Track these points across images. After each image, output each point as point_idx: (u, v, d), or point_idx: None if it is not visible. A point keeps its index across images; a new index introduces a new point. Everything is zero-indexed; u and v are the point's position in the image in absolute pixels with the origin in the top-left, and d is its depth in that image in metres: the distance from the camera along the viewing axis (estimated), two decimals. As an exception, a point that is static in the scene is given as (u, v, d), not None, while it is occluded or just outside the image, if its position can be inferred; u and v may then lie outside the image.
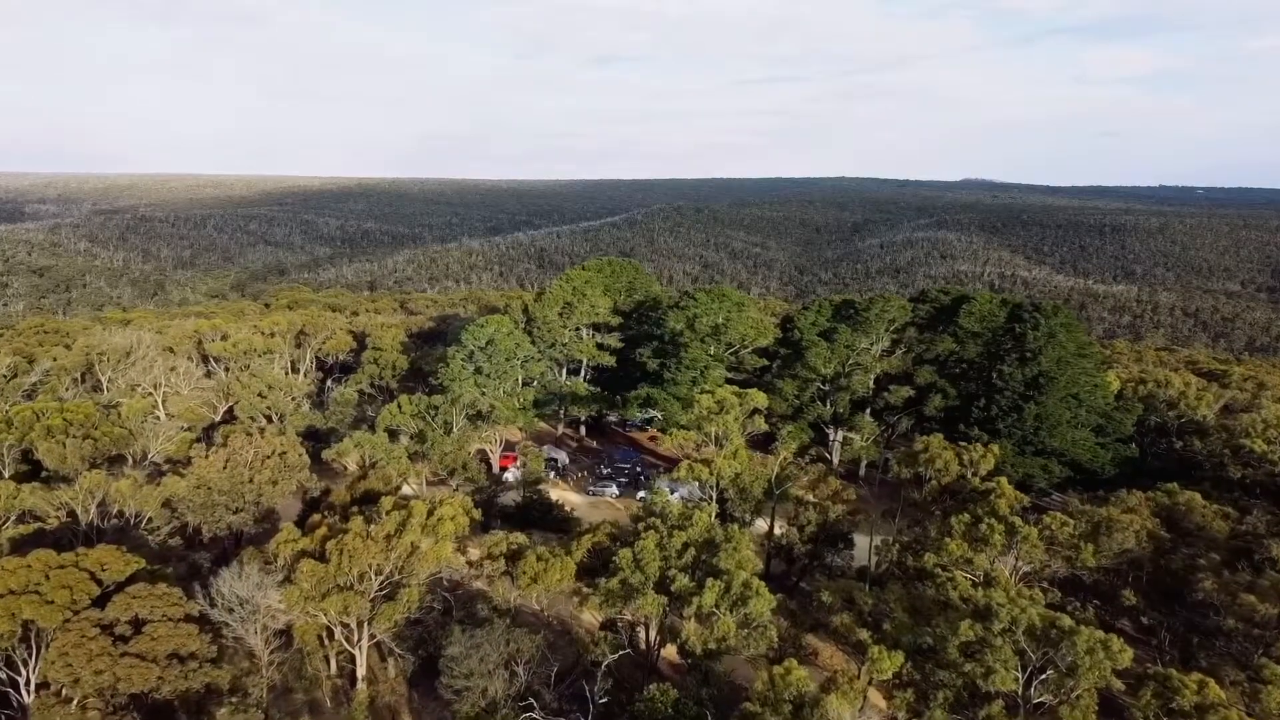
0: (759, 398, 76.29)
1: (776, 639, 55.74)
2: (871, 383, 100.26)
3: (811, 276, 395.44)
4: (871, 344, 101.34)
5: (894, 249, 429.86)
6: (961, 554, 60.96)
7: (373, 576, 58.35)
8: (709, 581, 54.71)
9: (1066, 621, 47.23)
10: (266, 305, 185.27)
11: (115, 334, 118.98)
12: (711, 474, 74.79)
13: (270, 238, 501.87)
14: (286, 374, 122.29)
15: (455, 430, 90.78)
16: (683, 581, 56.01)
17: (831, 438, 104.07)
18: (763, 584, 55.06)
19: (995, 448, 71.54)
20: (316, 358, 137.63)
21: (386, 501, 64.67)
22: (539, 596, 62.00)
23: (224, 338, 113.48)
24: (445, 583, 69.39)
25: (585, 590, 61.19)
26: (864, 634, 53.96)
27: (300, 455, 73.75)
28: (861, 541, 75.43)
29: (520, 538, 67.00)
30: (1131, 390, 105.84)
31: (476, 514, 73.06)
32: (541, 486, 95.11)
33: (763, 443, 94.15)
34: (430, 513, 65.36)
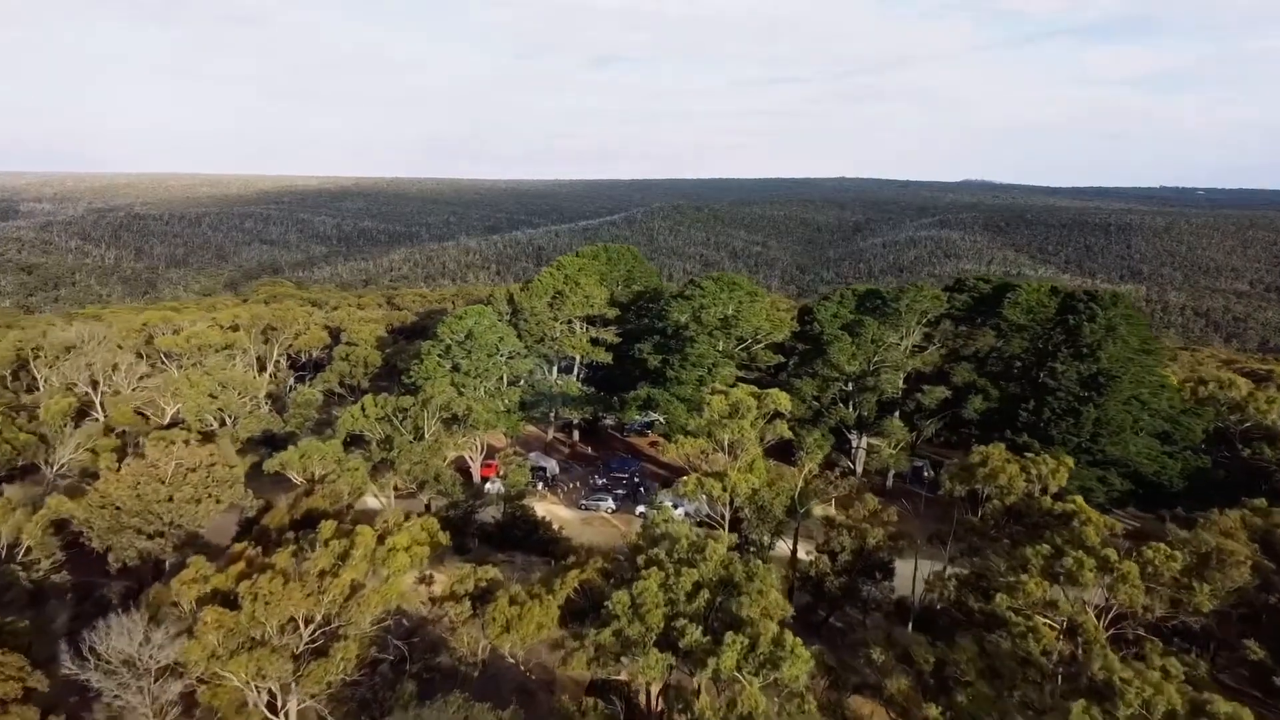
0: (781, 399, 63.07)
1: (815, 709, 42.47)
2: (901, 382, 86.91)
3: (814, 275, 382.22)
4: (902, 338, 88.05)
5: (897, 248, 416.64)
6: (1042, 595, 47.66)
7: (301, 626, 45.12)
8: (729, 636, 41.61)
9: (1222, 707, 33.98)
10: (244, 300, 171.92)
11: (61, 327, 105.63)
12: (725, 489, 61.55)
13: (266, 236, 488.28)
14: (251, 372, 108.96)
15: (427, 436, 77.45)
16: (695, 635, 42.85)
17: (855, 444, 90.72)
18: (798, 641, 41.81)
19: (1069, 460, 58.18)
20: (288, 355, 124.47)
21: (327, 527, 51.33)
22: (514, 647, 48.63)
23: (176, 331, 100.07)
24: (404, 623, 56.46)
25: (570, 643, 47.91)
26: (933, 711, 40.65)
27: (231, 468, 60.37)
28: (901, 568, 62.28)
29: (491, 571, 53.66)
30: (1190, 392, 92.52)
31: (444, 538, 59.90)
32: (527, 500, 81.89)
33: (778, 451, 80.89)
34: (382, 540, 52.13)
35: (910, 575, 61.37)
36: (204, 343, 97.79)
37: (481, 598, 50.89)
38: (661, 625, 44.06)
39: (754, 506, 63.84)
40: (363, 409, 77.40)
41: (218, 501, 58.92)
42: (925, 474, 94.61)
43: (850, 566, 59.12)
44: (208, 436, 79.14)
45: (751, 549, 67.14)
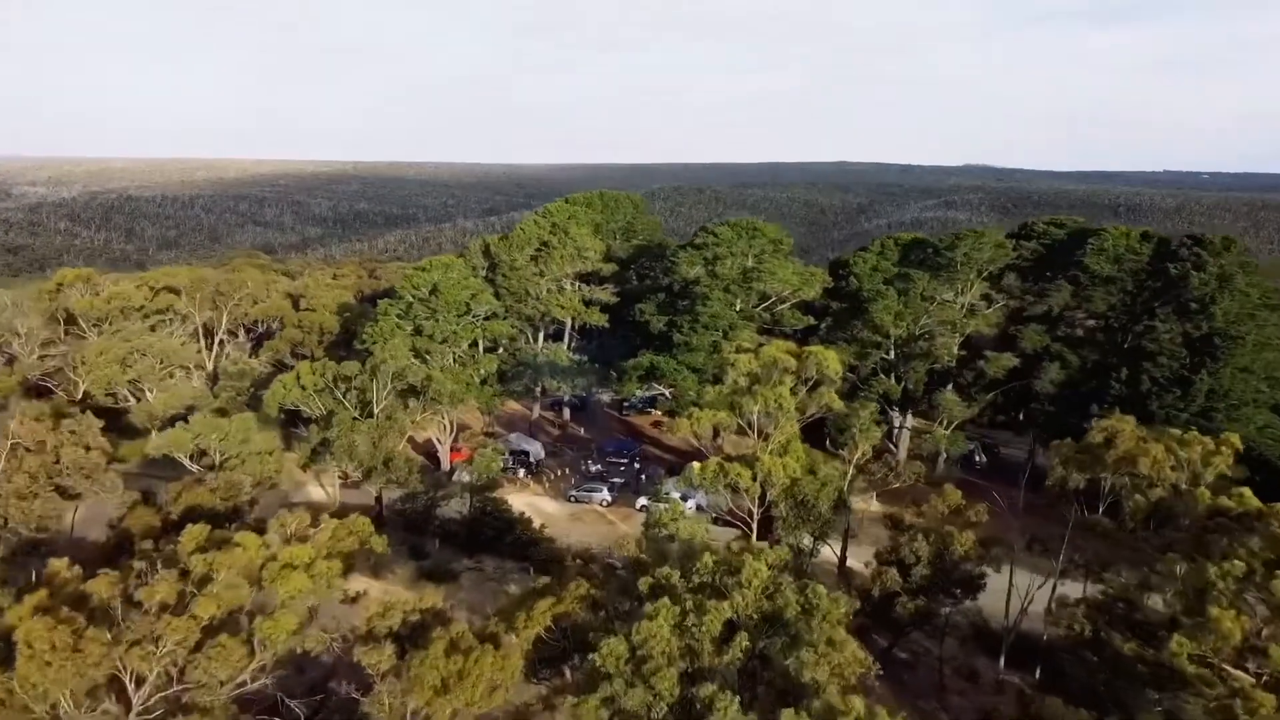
0: (829, 360, 46.39)
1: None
2: (956, 348, 70.21)
3: (818, 257, 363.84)
4: (957, 295, 71.30)
5: (902, 229, 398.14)
6: (1243, 636, 31.19)
7: (131, 687, 28.83)
8: (787, 716, 25.50)
9: None
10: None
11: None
12: (754, 479, 45.01)
13: (260, 218, 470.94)
14: (185, 341, 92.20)
15: (377, 411, 60.88)
16: (729, 710, 26.74)
17: (898, 423, 74.11)
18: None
19: (1234, 439, 41.52)
20: (246, 327, 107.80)
21: (192, 535, 34.80)
22: (456, 718, 32.01)
23: (97, 292, 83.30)
24: (321, 669, 40.88)
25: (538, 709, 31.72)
26: None
27: (88, 452, 43.74)
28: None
29: (430, 598, 37.16)
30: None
31: (380, 543, 43.68)
32: (503, 491, 65.59)
33: (805, 433, 64.21)
34: (273, 556, 35.75)
35: (1009, 593, 44.84)
36: (127, 305, 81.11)
37: (412, 638, 34.33)
38: (676, 692, 27.83)
39: (792, 501, 47.35)
40: (297, 378, 60.76)
41: (67, 495, 42.34)
42: (977, 459, 78.12)
43: (928, 583, 42.58)
44: (105, 413, 62.66)
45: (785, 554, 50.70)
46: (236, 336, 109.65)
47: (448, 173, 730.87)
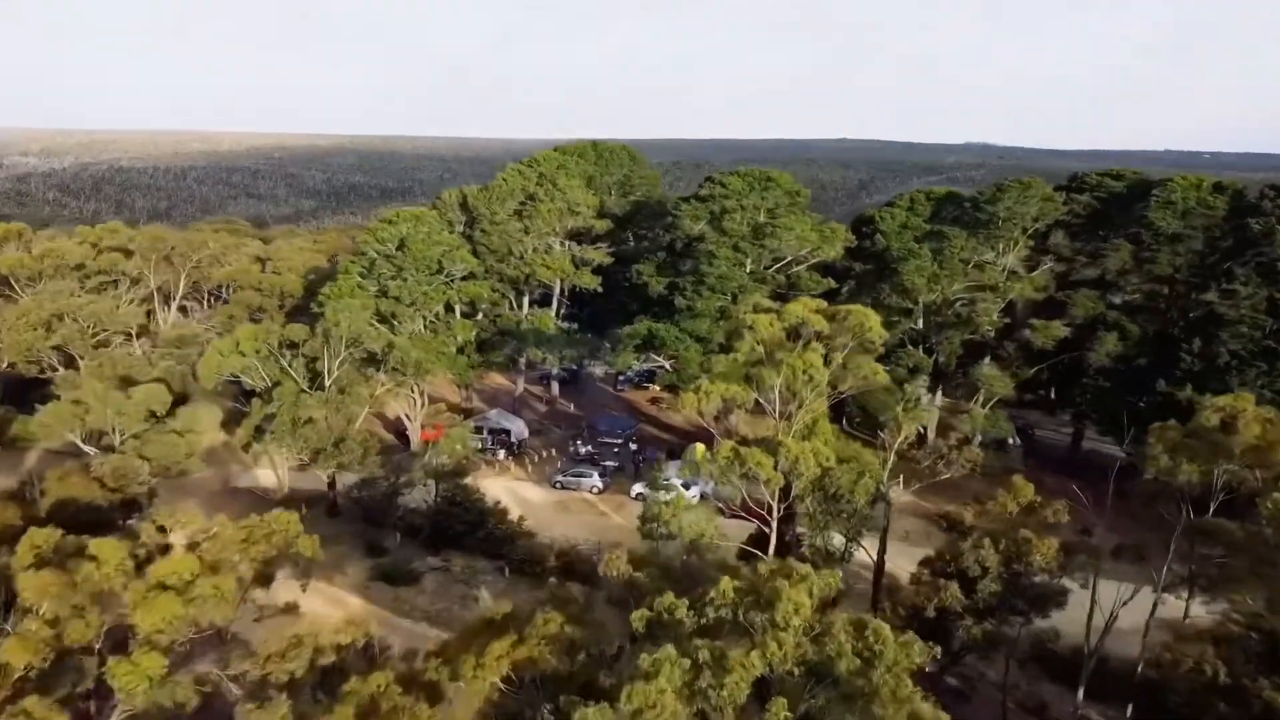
0: (871, 320, 36.89)
1: None
2: (998, 315, 60.73)
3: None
4: (998, 256, 61.77)
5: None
6: None
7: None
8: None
9: None
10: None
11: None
12: (777, 469, 35.61)
13: (253, 190, 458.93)
14: (141, 306, 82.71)
15: (328, 382, 51.45)
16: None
17: (926, 400, 64.67)
18: None
19: (1396, 422, 32.20)
20: (211, 291, 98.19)
21: (30, 545, 25.40)
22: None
23: (28, 249, 73.50)
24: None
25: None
26: None
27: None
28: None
29: (351, 630, 27.93)
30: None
31: (309, 545, 34.56)
32: (479, 476, 56.52)
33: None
34: (144, 565, 26.54)
35: (1091, 607, 35.60)
36: (62, 262, 71.33)
37: (327, 683, 25.03)
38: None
39: (821, 495, 38.06)
40: (236, 344, 51.24)
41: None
42: (1010, 442, 68.85)
43: (998, 600, 33.34)
44: (29, 384, 53.23)
45: (810, 559, 41.52)
46: (203, 304, 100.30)
47: (445, 147, 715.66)
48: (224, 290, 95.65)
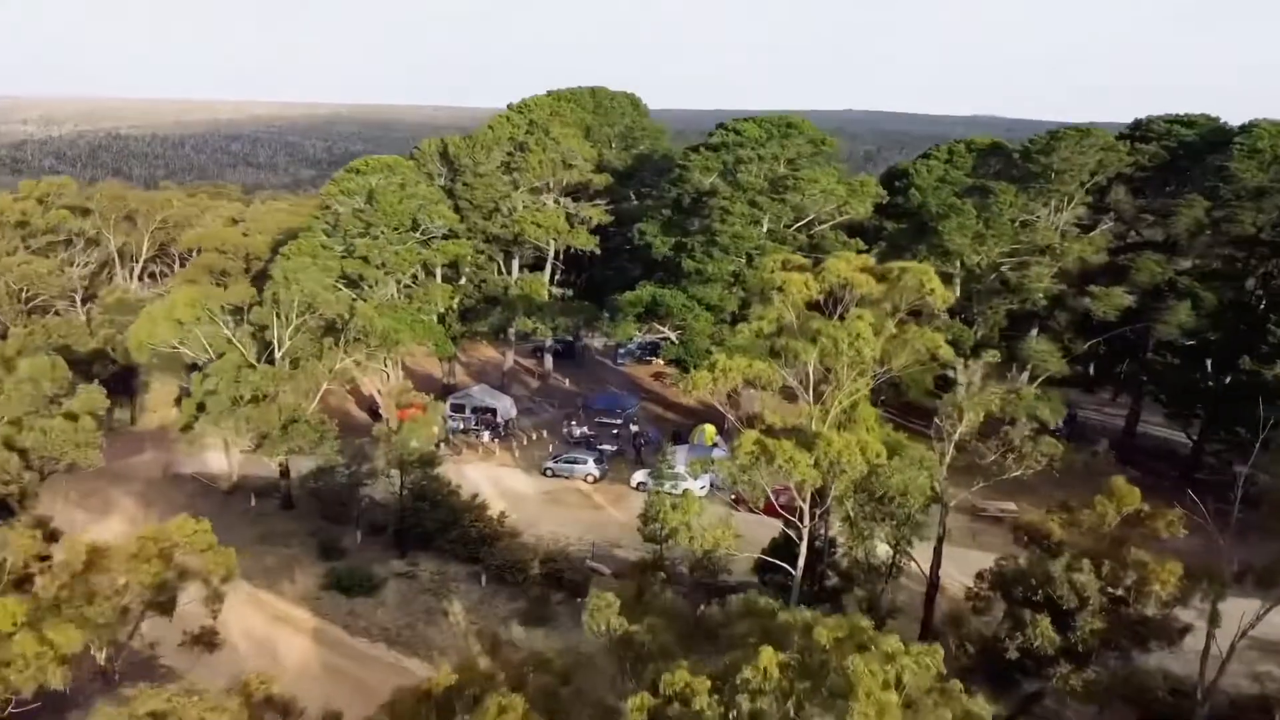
0: (933, 280, 28.92)
1: None
2: (1049, 280, 52.69)
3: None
4: (1051, 213, 53.64)
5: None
6: None
7: None
8: None
9: None
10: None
11: None
12: (817, 464, 27.81)
13: (252, 159, 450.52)
14: (89, 269, 75.08)
15: (279, 354, 43.71)
16: None
17: (963, 379, 56.71)
18: None
19: None
20: (181, 255, 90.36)
21: None
22: None
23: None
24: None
25: None
26: None
27: None
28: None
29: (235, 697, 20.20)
30: None
31: (224, 561, 27.09)
32: (466, 459, 49.34)
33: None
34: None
35: (1208, 640, 27.90)
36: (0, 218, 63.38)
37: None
38: None
39: (866, 496, 30.38)
40: (171, 309, 43.43)
41: None
42: (1056, 429, 60.84)
43: (1102, 639, 25.66)
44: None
45: (849, 573, 33.95)
46: (173, 268, 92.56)
47: (445, 115, 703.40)
48: (194, 254, 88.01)
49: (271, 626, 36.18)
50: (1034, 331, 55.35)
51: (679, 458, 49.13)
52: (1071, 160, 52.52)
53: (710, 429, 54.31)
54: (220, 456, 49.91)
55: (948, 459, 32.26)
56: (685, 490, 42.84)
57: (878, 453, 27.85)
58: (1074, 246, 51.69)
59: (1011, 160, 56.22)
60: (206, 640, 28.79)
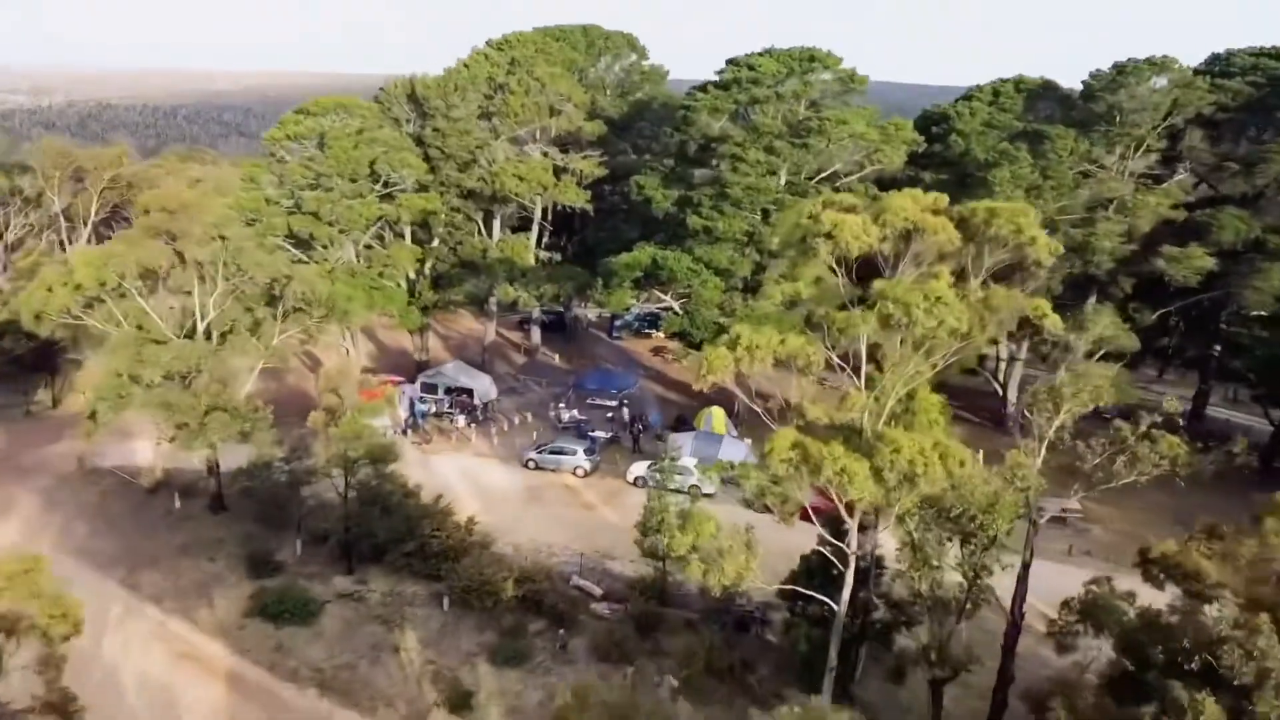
0: (1029, 228, 21.03)
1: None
2: (1118, 239, 44.66)
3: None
4: (1117, 161, 45.53)
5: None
6: None
7: None
8: None
9: None
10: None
11: None
12: (880, 478, 19.97)
13: (245, 129, 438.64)
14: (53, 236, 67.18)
15: (201, 326, 35.88)
16: None
17: (1006, 354, 49.41)
18: None
19: None
20: (134, 219, 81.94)
21: None
22: None
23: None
24: None
25: None
26: None
27: None
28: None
29: None
30: None
31: (66, 616, 18.53)
32: (436, 447, 41.84)
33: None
34: None
35: None
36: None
37: None
38: None
39: (932, 514, 22.67)
40: (70, 273, 35.52)
41: None
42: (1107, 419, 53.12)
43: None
44: None
45: (907, 612, 26.37)
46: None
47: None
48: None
49: (176, 667, 28.59)
50: (1092, 299, 47.48)
51: (684, 447, 41.59)
52: (1143, 99, 44.34)
53: (719, 412, 46.59)
54: (149, 446, 42.09)
55: (1037, 458, 24.53)
56: (692, 488, 35.42)
57: (961, 460, 20.08)
58: (1148, 199, 43.62)
59: (1069, 101, 48.01)
60: (60, 709, 21.17)
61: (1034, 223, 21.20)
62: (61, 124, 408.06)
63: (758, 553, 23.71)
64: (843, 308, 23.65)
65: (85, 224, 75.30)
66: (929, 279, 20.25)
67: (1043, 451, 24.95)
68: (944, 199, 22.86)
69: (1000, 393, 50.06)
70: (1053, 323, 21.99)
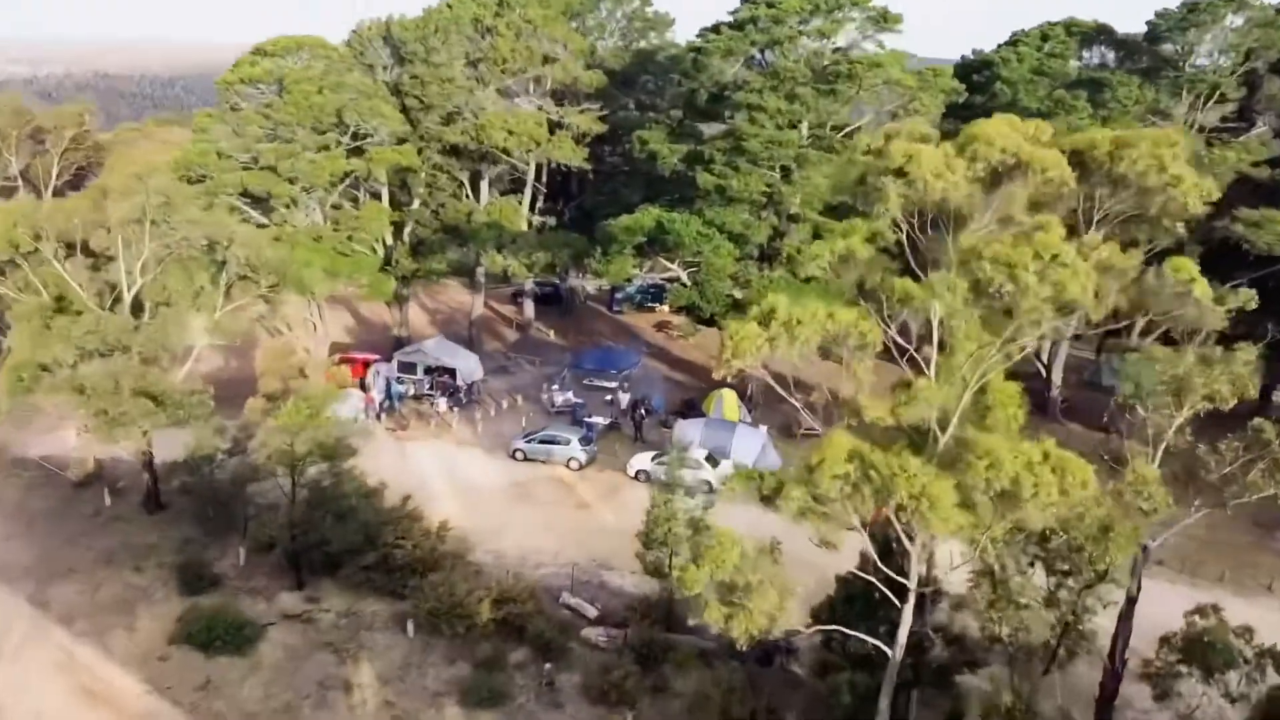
0: (1175, 164, 15.43)
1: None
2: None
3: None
4: (1187, 111, 39.57)
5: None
6: None
7: None
8: None
9: None
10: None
11: None
12: (968, 504, 14.42)
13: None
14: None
15: (128, 295, 30.26)
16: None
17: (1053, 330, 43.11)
18: None
19: None
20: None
21: None
22: None
23: None
24: None
25: None
26: None
27: None
28: None
29: None
30: None
31: None
32: (413, 434, 36.49)
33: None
34: None
35: None
36: None
37: None
38: None
39: (1023, 541, 17.06)
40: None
41: None
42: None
43: None
44: None
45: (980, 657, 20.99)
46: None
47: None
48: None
49: (77, 707, 23.34)
50: (1152, 270, 41.59)
51: (693, 435, 36.15)
52: (1215, 40, 38.33)
53: (730, 396, 41.00)
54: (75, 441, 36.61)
55: (1156, 468, 18.98)
56: (707, 499, 29.62)
57: (1084, 480, 14.53)
58: (1225, 155, 37.69)
59: (1130, 45, 41.97)
60: None
61: (1181, 157, 15.52)
62: (59, 94, 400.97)
63: (794, 589, 18.30)
64: (905, 272, 18.14)
65: (46, 188, 69.75)
66: (1043, 232, 14.54)
67: (1158, 458, 19.51)
68: (1047, 127, 17.10)
69: (1044, 374, 44.47)
70: (1201, 290, 16.39)
